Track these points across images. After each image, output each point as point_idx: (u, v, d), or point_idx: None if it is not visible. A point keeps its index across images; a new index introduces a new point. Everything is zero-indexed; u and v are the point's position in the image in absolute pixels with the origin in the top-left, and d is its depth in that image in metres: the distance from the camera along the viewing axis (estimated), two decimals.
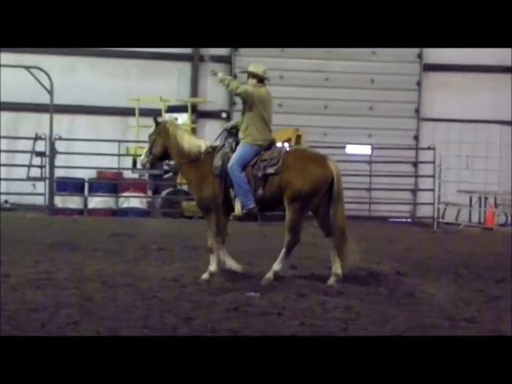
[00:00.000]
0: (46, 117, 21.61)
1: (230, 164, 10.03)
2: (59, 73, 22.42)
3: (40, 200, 21.22)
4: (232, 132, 10.48)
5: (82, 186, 21.73)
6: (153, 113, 21.91)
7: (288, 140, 22.06)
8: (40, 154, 21.07)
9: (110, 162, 22.13)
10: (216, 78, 10.53)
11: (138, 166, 22.34)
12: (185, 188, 22.20)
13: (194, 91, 24.44)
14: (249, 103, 10.33)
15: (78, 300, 8.64)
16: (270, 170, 10.00)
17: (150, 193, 22.21)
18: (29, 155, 21.13)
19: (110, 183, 22.03)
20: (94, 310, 8.10)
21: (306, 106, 24.16)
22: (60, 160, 21.19)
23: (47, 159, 21.04)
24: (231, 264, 10.31)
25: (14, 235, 14.39)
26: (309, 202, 10.02)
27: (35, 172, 21.10)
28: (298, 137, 22.35)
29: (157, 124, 10.65)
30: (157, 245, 13.71)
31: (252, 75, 10.48)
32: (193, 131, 22.70)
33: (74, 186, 21.69)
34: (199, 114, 24.19)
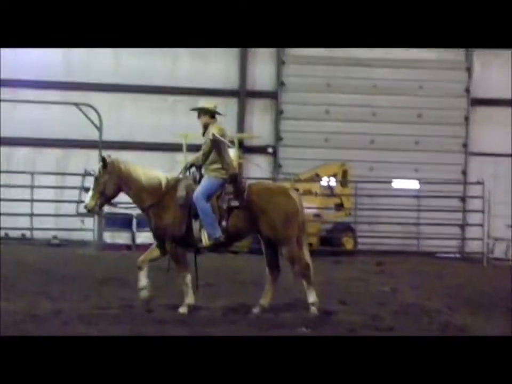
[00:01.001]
0: (94, 153, 21.73)
1: (195, 195, 10.08)
2: (107, 109, 22.59)
3: (89, 236, 21.40)
4: (195, 166, 10.48)
5: (130, 222, 21.87)
6: (200, 149, 22.27)
7: (334, 175, 22.05)
8: (88, 190, 21.08)
9: None
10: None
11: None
12: None
13: (240, 126, 24.57)
14: (213, 145, 10.39)
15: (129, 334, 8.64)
16: (235, 203, 10.16)
17: None
18: (78, 191, 21.32)
19: None
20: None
21: (353, 141, 24.17)
22: None
23: None
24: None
25: (64, 271, 14.49)
26: (289, 229, 10.14)
27: (83, 208, 21.12)
28: (345, 172, 22.33)
29: (105, 163, 10.34)
30: (204, 279, 13.69)
31: (204, 111, 10.72)
32: (240, 166, 22.82)
33: (122, 221, 21.79)
34: (245, 149, 24.27)
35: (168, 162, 23.73)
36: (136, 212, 21.41)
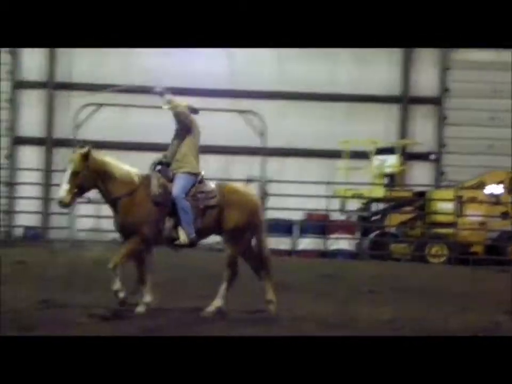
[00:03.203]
0: (256, 159, 22.12)
1: (176, 193, 9.85)
2: (270, 117, 22.78)
3: None
4: (163, 163, 10.18)
5: (291, 228, 21.99)
6: (361, 155, 22.21)
7: (501, 182, 21.45)
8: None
9: (318, 204, 22.31)
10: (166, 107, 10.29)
11: (348, 208, 22.53)
12: (393, 230, 22.07)
13: (402, 133, 24.29)
14: (185, 129, 10.15)
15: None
16: (211, 202, 10.01)
17: (358, 235, 22.16)
18: None
19: (319, 224, 22.18)
20: None
21: None
22: (270, 202, 21.48)
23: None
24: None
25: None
26: (245, 236, 10.18)
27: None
28: None
29: (87, 156, 9.77)
30: (367, 286, 13.61)
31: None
32: (402, 173, 22.57)
33: (284, 227, 21.94)
34: (407, 156, 23.95)
35: (329, 168, 23.73)
36: (297, 217, 22.00)
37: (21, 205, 23.05)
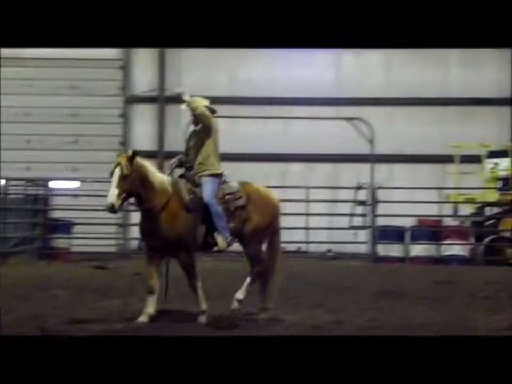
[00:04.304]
0: (365, 166, 22.01)
1: (207, 198, 9.74)
2: (378, 123, 22.65)
3: (361, 249, 21.47)
4: (185, 166, 10.09)
5: (403, 234, 21.77)
6: (472, 159, 21.83)
7: None
8: (362, 203, 21.34)
9: (429, 210, 22.04)
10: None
11: (461, 213, 22.17)
12: (508, 234, 21.59)
13: None
14: (206, 130, 10.00)
15: None
16: (240, 203, 9.93)
17: (472, 240, 21.77)
18: (350, 204, 21.52)
19: (431, 230, 21.88)
20: None
21: None
22: (381, 208, 21.35)
23: (369, 208, 21.15)
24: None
25: (341, 283, 14.66)
26: (265, 237, 10.31)
27: (356, 221, 21.47)
28: None
29: (133, 159, 9.52)
30: (483, 292, 13.37)
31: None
32: None
33: (395, 234, 21.73)
34: None
35: (439, 173, 23.42)
36: (408, 224, 21.79)
37: (135, 217, 23.53)
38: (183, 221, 9.68)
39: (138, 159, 9.59)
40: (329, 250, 22.27)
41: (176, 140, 23.07)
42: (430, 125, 23.69)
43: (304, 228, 22.02)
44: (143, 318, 9.65)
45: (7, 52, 22.07)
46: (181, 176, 10.06)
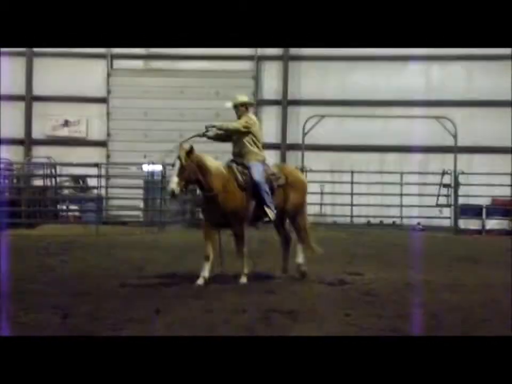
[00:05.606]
0: (449, 156, 21.90)
1: (258, 178, 9.60)
2: (460, 121, 22.44)
3: (446, 223, 21.51)
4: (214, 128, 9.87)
5: (480, 211, 21.53)
6: None
7: None
8: (447, 186, 21.62)
9: (502, 191, 21.61)
10: (212, 132, 9.86)
11: None
12: None
13: None
14: (248, 130, 9.78)
15: (486, 302, 8.38)
16: (280, 182, 9.86)
17: None
18: (437, 187, 21.61)
19: (504, 208, 21.51)
20: (504, 311, 7.71)
21: None
22: (462, 190, 21.37)
23: (452, 189, 21.45)
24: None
25: (427, 250, 14.52)
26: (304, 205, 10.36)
27: (442, 200, 21.60)
28: None
29: (191, 152, 9.31)
30: None
31: (241, 104, 9.97)
32: None
33: (473, 211, 21.56)
34: None
35: (510, 162, 22.71)
36: (484, 203, 21.41)
37: None
38: (238, 198, 9.56)
39: (195, 152, 9.42)
40: (419, 224, 22.05)
41: (295, 134, 23.45)
42: (503, 122, 22.97)
43: (399, 206, 21.94)
44: (200, 281, 9.31)
45: (161, 64, 22.83)
46: (232, 161, 9.89)
